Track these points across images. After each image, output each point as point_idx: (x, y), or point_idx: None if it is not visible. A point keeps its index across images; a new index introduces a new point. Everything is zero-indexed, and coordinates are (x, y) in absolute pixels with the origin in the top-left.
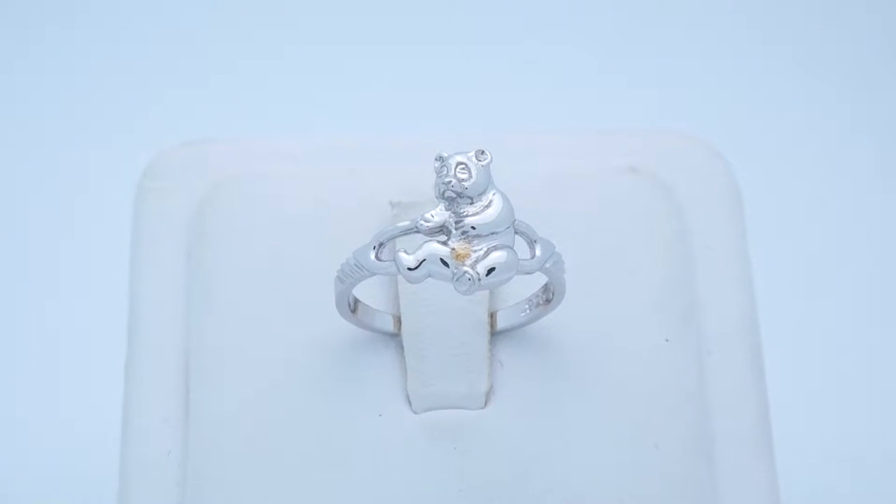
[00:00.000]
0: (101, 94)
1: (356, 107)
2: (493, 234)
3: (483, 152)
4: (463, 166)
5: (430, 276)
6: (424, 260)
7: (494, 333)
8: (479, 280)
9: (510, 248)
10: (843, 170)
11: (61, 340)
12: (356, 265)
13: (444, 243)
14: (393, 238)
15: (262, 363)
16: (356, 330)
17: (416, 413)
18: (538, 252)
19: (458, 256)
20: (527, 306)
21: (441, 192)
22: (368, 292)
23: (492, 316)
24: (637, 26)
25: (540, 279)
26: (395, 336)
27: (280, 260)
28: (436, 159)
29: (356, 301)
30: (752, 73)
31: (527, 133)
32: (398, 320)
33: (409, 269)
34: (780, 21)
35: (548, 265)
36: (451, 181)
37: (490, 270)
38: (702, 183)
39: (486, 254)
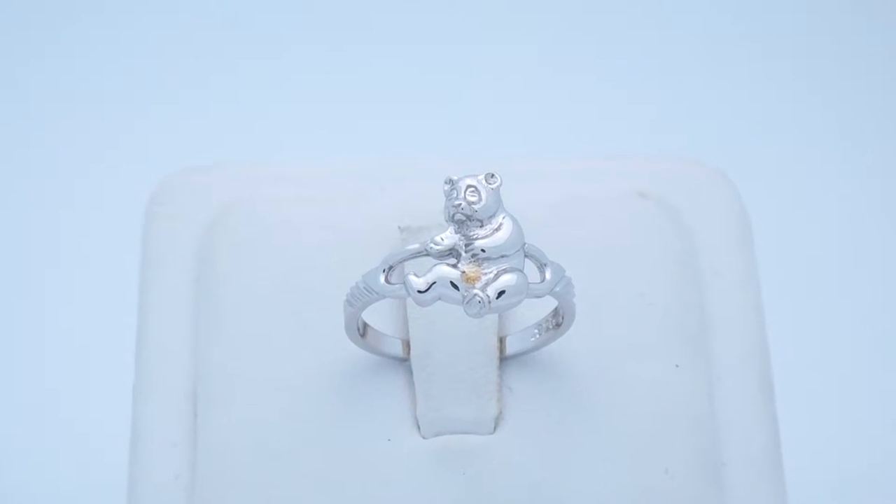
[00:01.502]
0: (109, 119)
1: (363, 132)
2: (503, 257)
3: (493, 175)
4: (473, 189)
5: (439, 298)
6: (434, 283)
7: (504, 359)
8: (490, 303)
9: (520, 271)
10: (852, 194)
11: (70, 365)
12: (365, 288)
13: (454, 266)
14: (402, 261)
15: (271, 388)
16: (365, 354)
17: (424, 438)
18: (548, 276)
19: (468, 279)
20: (536, 331)
21: (451, 214)
22: (377, 317)
23: (501, 341)
24: (644, 51)
25: (549, 304)
26: (404, 361)
27: (288, 284)
28: (445, 182)
29: (365, 325)
30: (760, 97)
31: (534, 159)
32: (407, 345)
33: (419, 291)
34: (789, 46)
35: (558, 289)
36: (460, 204)
37: (500, 293)
38: (711, 208)
39: (496, 277)
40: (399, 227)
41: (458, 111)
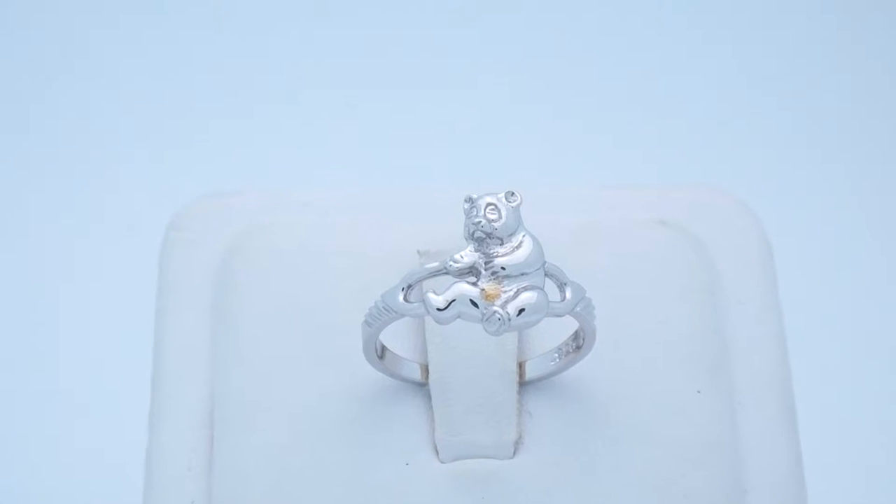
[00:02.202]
0: (131, 145)
1: (380, 160)
2: (523, 275)
3: (513, 194)
4: (493, 207)
5: (459, 316)
6: (454, 300)
7: (523, 384)
8: (509, 320)
9: (541, 289)
10: (874, 222)
11: (86, 389)
12: (384, 308)
13: (474, 284)
14: (421, 280)
15: (287, 412)
16: (382, 379)
17: (443, 462)
18: (569, 295)
19: (487, 297)
20: (556, 355)
21: (470, 232)
22: (396, 341)
23: (520, 366)
24: (664, 78)
25: (569, 328)
26: (423, 386)
27: (306, 310)
28: (465, 200)
29: (384, 348)
30: (781, 125)
31: (554, 186)
32: (426, 369)
33: (439, 309)
34: (810, 74)
35: (578, 308)
36: (480, 221)
37: (520, 311)
38: (731, 236)
39: (516, 295)
40: (418, 252)
41: (477, 140)
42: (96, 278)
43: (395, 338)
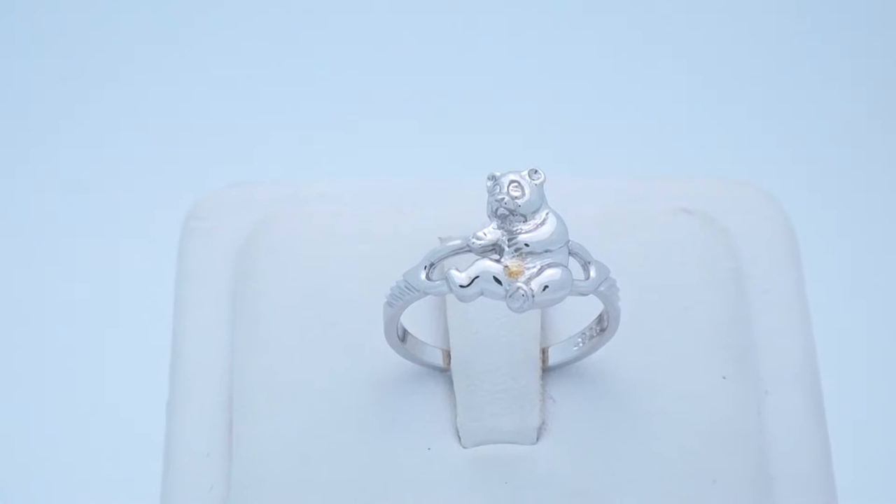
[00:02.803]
0: (152, 136)
1: (400, 153)
2: (546, 251)
3: (536, 171)
4: (516, 184)
5: (482, 293)
6: (477, 277)
7: (546, 369)
8: (533, 297)
9: (564, 266)
10: None
11: (106, 376)
12: (406, 286)
13: (497, 262)
14: (444, 258)
15: (307, 398)
16: (404, 364)
17: (465, 448)
18: (593, 273)
19: (511, 274)
20: (580, 339)
21: (494, 209)
22: (417, 327)
23: (543, 352)
24: (687, 71)
25: (592, 313)
26: (444, 371)
27: (326, 296)
28: (488, 178)
29: (405, 331)
30: (807, 115)
31: (577, 177)
32: (447, 355)
33: (461, 286)
34: (834, 66)
35: (602, 288)
36: (503, 198)
37: (544, 288)
38: (757, 226)
39: (540, 271)
40: (439, 239)
41: (499, 130)
42: (115, 269)
43: (417, 323)
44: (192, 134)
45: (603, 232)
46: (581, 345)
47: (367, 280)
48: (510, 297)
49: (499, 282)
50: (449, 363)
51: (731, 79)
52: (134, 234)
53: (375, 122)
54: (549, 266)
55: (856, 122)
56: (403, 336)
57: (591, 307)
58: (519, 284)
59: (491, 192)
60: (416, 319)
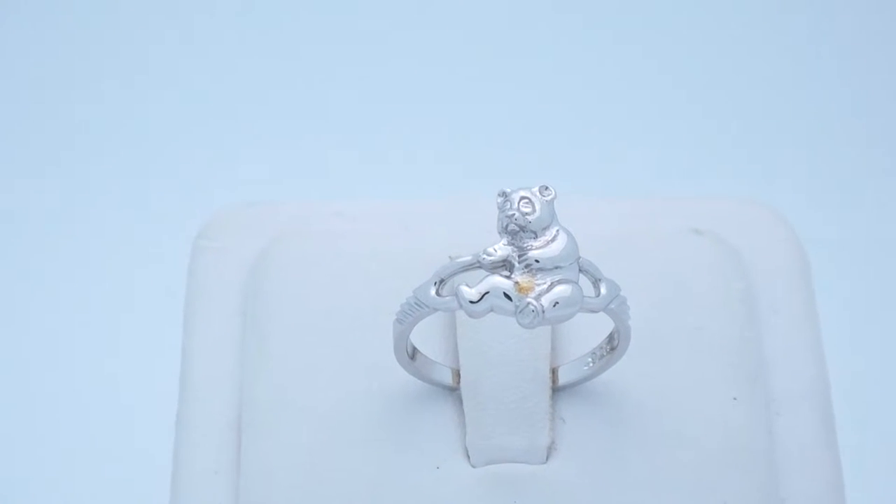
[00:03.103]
0: (162, 156)
1: (413, 170)
2: (556, 268)
3: (547, 188)
4: (527, 200)
5: (492, 309)
6: (487, 293)
7: (556, 389)
8: (543, 313)
9: (575, 283)
10: None
11: (115, 392)
12: (416, 303)
13: (507, 278)
14: (454, 274)
15: (316, 415)
16: (412, 383)
17: (474, 467)
18: (603, 290)
19: (521, 290)
20: (590, 359)
21: (504, 225)
22: (427, 346)
23: (553, 372)
24: (698, 91)
25: (602, 334)
26: (454, 390)
27: (336, 314)
28: (499, 195)
29: (415, 349)
30: (817, 137)
31: (588, 197)
32: (457, 374)
33: (471, 302)
34: (844, 88)
35: (612, 306)
36: (514, 214)
37: (554, 304)
38: (768, 246)
39: (550, 288)
40: (450, 257)
41: (510, 151)
42: (126, 289)
43: (427, 343)
44: (204, 153)
45: (613, 252)
46: (591, 364)
47: (377, 299)
48: (520, 312)
49: (509, 298)
50: (458, 382)
51: (742, 99)
52: (145, 253)
53: (387, 143)
54: (560, 282)
55: (869, 143)
56: (413, 354)
57: (600, 329)
58: (529, 300)
59: (501, 208)
60: (426, 339)
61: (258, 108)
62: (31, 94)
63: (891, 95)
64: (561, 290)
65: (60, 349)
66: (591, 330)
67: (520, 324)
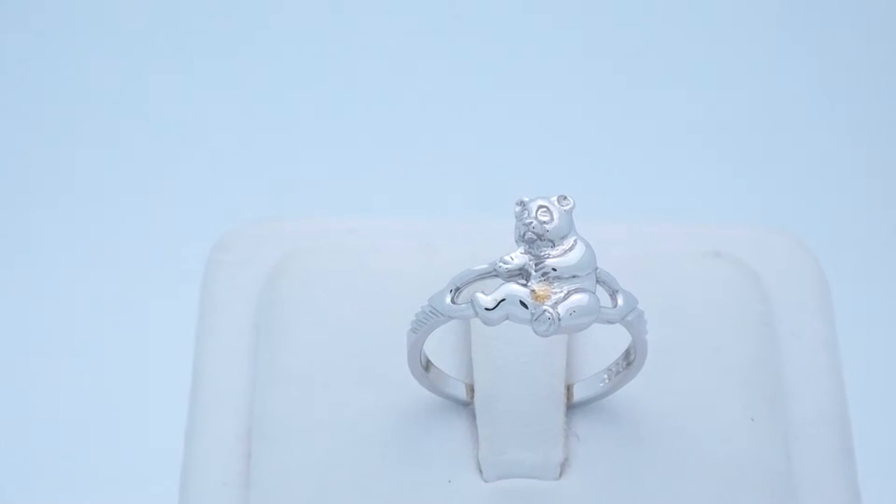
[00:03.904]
0: (179, 172)
1: (428, 193)
2: (574, 277)
3: (565, 197)
4: (545, 209)
5: (507, 317)
6: (503, 300)
7: (571, 405)
8: (559, 321)
9: (592, 292)
10: None
11: (127, 403)
12: (431, 311)
13: (524, 286)
14: (470, 282)
15: (327, 429)
16: (426, 396)
17: (486, 482)
18: (620, 302)
19: (537, 298)
20: (605, 376)
21: (521, 234)
22: (441, 360)
23: (568, 388)
24: (720, 121)
25: (619, 350)
26: (467, 405)
27: (349, 328)
28: (517, 204)
29: (428, 361)
30: (835, 161)
31: (606, 221)
32: (471, 389)
33: (487, 309)
34: (865, 113)
35: (630, 318)
36: (532, 223)
37: (571, 313)
38: (788, 271)
39: (567, 296)
40: None
41: (530, 173)
42: (140, 300)
43: (440, 357)
44: (223, 167)
45: (633, 271)
46: (607, 381)
47: (391, 314)
48: (536, 320)
49: (525, 306)
50: (472, 397)
51: (764, 127)
52: (161, 267)
53: (407, 160)
54: (577, 291)
55: (890, 170)
56: (427, 366)
57: (617, 347)
58: (545, 308)
59: (519, 216)
60: (440, 354)
61: (281, 123)
62: (45, 103)
63: None
64: (578, 299)
65: (72, 359)
66: (607, 348)
67: (535, 332)
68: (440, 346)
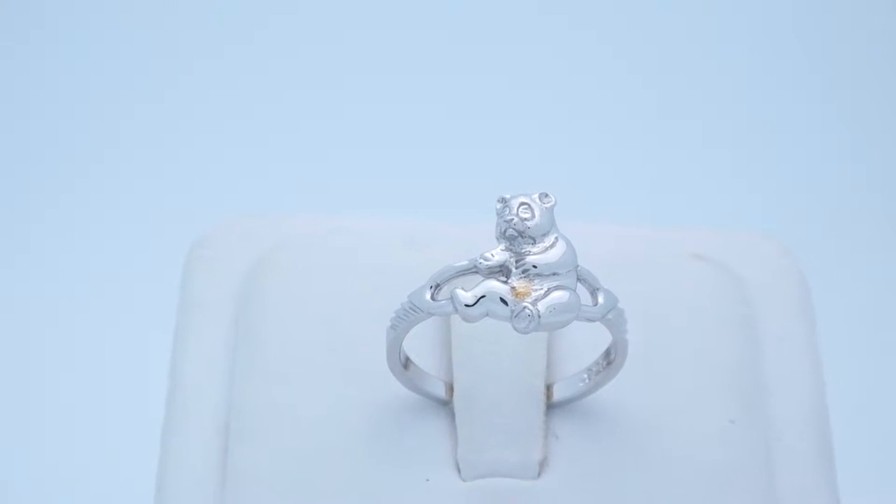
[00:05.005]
0: (154, 169)
1: (407, 191)
2: (554, 275)
3: (547, 195)
4: (526, 206)
5: (487, 314)
6: (483, 297)
7: (551, 405)
8: (539, 317)
9: (572, 290)
10: None
11: (104, 398)
12: (411, 307)
13: (504, 283)
14: (450, 278)
15: (305, 424)
16: (405, 395)
17: (464, 480)
18: (601, 300)
19: (517, 294)
20: (586, 375)
21: (502, 230)
22: (421, 359)
23: (548, 388)
24: (705, 126)
25: (599, 350)
26: (446, 404)
27: (329, 324)
28: (498, 201)
29: (408, 359)
30: (817, 164)
31: (589, 222)
32: (450, 388)
33: (467, 305)
34: (846, 113)
35: (610, 316)
36: (513, 219)
37: (551, 310)
38: (770, 274)
39: (547, 293)
40: None
41: (515, 173)
42: (118, 297)
43: (420, 356)
44: (206, 164)
45: (613, 272)
46: (587, 380)
47: (371, 311)
48: (516, 317)
49: (505, 302)
50: (451, 395)
51: (748, 133)
52: (141, 262)
53: (388, 158)
54: (557, 288)
55: (871, 174)
56: (406, 363)
57: (597, 347)
58: (525, 304)
59: (500, 213)
60: (420, 350)
61: (265, 120)
62: (31, 103)
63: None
64: (558, 296)
65: (52, 354)
66: (587, 348)
67: (515, 328)
68: (420, 344)
